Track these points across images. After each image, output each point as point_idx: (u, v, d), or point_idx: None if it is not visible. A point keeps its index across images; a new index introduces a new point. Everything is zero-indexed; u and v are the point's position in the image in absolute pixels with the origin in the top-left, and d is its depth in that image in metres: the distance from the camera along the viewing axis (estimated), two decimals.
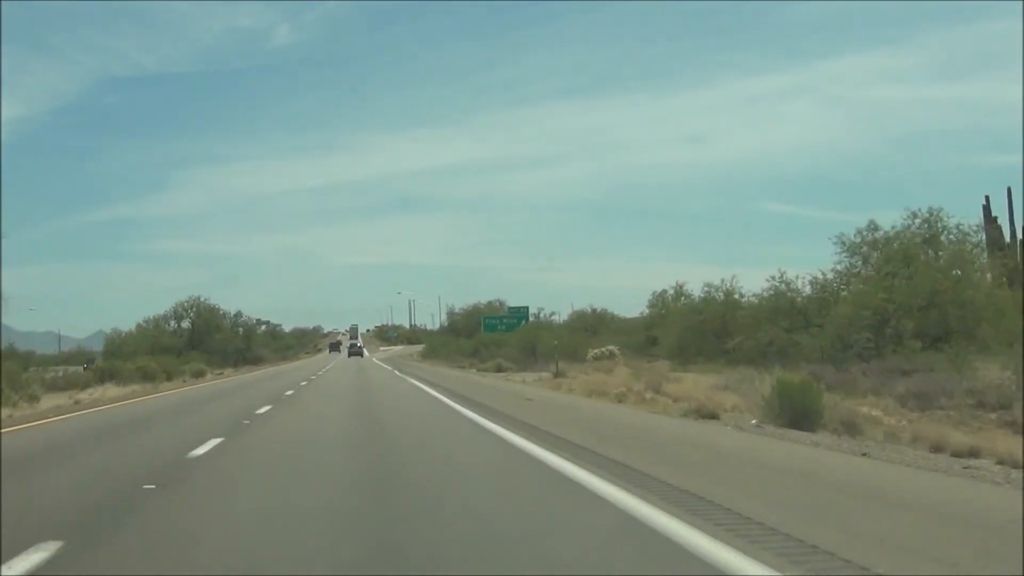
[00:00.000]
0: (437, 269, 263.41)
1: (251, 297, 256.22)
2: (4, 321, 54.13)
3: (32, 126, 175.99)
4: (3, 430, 19.24)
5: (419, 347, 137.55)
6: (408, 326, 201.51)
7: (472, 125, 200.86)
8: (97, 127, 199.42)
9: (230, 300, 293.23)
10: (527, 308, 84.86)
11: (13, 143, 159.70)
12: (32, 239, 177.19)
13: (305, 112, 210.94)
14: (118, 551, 7.00)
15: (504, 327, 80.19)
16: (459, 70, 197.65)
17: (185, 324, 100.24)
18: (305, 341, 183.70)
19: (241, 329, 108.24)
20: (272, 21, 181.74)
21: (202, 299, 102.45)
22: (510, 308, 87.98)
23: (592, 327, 76.83)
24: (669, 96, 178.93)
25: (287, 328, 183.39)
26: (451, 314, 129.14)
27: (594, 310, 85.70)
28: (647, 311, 65.23)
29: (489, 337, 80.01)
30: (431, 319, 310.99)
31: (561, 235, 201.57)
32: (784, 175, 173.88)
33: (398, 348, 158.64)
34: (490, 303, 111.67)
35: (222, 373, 72.87)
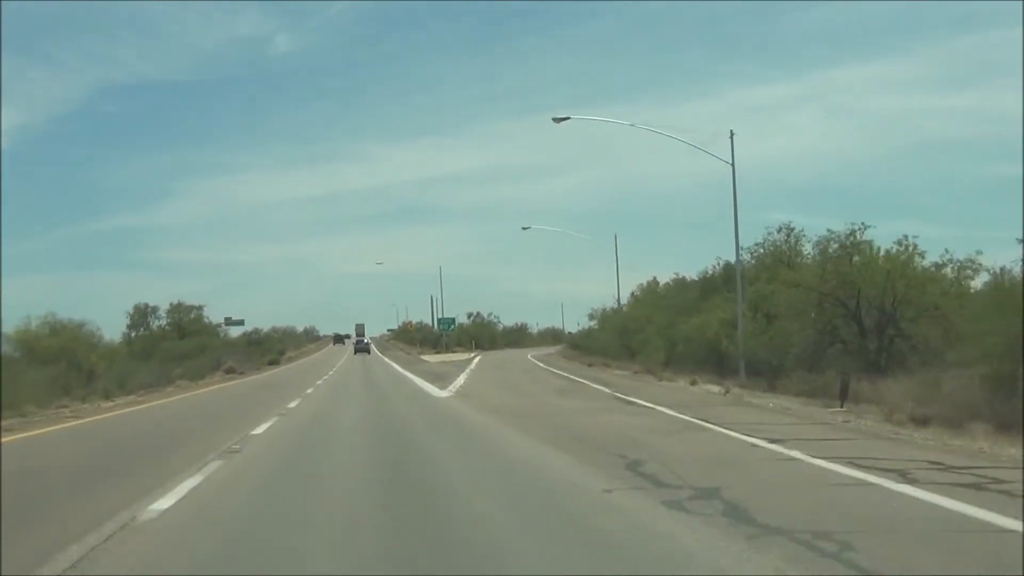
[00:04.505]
0: (436, 278, 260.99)
1: (256, 306, 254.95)
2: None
3: (33, 134, 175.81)
4: None
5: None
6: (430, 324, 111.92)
7: (474, 134, 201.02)
8: (98, 136, 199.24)
9: (233, 309, 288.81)
10: None
11: (14, 152, 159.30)
12: (33, 248, 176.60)
13: (307, 121, 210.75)
14: None
15: None
16: (462, 79, 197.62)
17: None
18: (266, 347, 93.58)
19: None
20: (272, 29, 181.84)
21: None
22: None
23: None
24: (673, 105, 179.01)
25: (269, 330, 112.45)
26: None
27: None
28: None
29: None
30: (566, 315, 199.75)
31: (563, 245, 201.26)
32: (790, 185, 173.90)
33: (473, 357, 74.52)
34: None
35: None
